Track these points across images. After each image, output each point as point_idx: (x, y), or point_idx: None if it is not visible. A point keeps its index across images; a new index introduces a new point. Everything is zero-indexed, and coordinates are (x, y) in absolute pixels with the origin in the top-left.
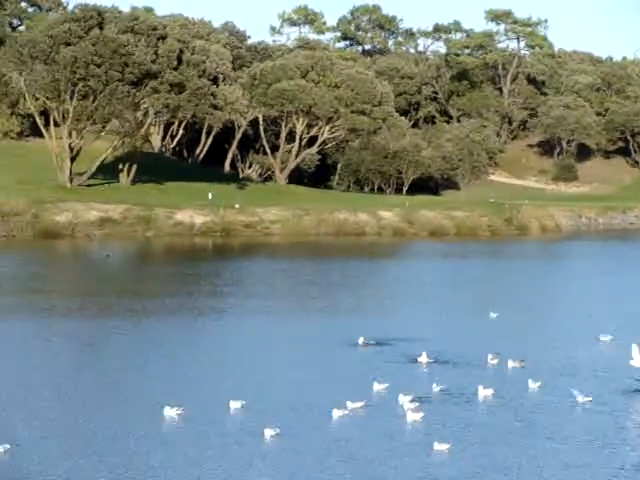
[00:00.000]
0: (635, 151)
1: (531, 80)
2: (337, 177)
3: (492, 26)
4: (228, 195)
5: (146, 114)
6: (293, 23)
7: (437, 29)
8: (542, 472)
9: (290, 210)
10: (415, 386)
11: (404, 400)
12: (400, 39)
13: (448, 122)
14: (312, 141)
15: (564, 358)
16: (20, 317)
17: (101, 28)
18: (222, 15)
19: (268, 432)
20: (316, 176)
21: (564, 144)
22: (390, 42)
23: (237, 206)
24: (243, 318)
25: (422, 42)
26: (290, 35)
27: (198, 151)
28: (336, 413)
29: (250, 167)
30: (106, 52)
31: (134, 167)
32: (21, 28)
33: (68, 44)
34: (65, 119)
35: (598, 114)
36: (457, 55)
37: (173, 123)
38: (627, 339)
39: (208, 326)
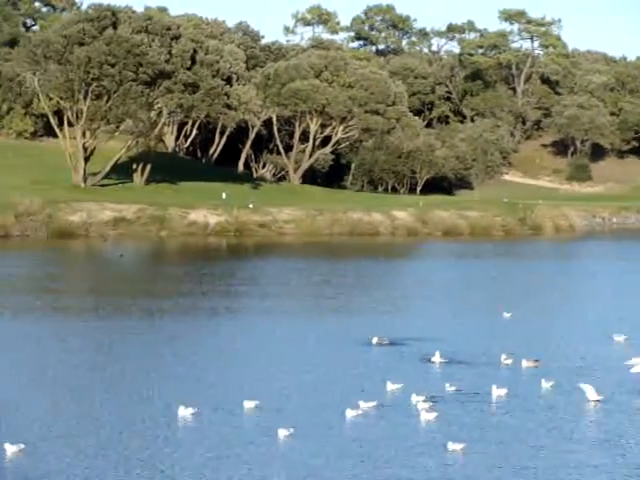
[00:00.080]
0: None
1: (545, 80)
2: (351, 177)
3: (506, 26)
4: (242, 195)
5: (160, 114)
6: (307, 23)
7: (451, 29)
8: (557, 472)
9: (304, 210)
10: (429, 386)
11: (417, 400)
12: (414, 39)
13: (462, 122)
14: (326, 141)
15: (578, 358)
16: (35, 317)
17: (115, 28)
18: (236, 15)
19: (282, 432)
20: (330, 176)
21: (578, 144)
22: (404, 42)
23: (251, 206)
24: (257, 318)
25: (436, 42)
26: (304, 35)
27: (212, 151)
28: (350, 413)
29: (264, 167)
30: (120, 52)
31: (148, 167)
32: (35, 28)
33: (82, 44)
34: (79, 119)
35: (612, 114)
36: (471, 55)
37: (187, 123)
38: None
39: (222, 326)
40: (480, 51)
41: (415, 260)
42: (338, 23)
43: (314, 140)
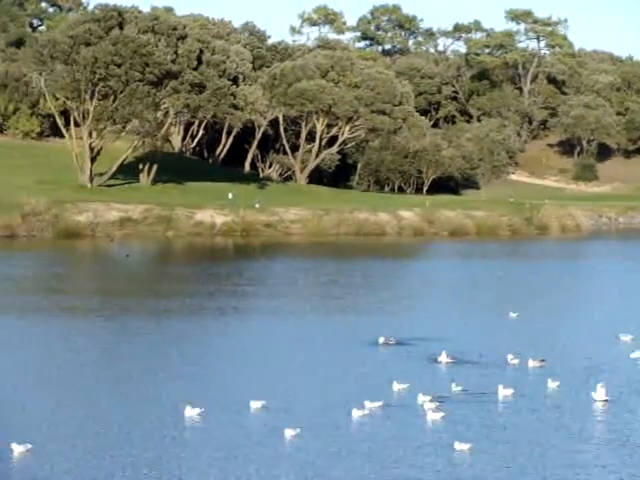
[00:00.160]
0: None
1: (551, 80)
2: (357, 177)
3: (512, 26)
4: (248, 195)
5: (166, 114)
6: (313, 23)
7: (457, 29)
8: (564, 472)
9: (310, 210)
10: (435, 386)
11: (424, 400)
12: (420, 39)
13: (468, 122)
14: (332, 141)
15: (584, 358)
16: (41, 317)
17: (121, 28)
18: (242, 15)
19: (289, 432)
20: (336, 176)
21: (584, 144)
22: (410, 42)
23: (257, 206)
24: (264, 318)
25: (442, 42)
26: (310, 35)
27: (218, 151)
28: (356, 413)
29: (270, 167)
30: (126, 52)
31: (154, 167)
32: (41, 28)
33: (88, 44)
34: (85, 119)
35: (618, 114)
36: (477, 55)
37: (193, 123)
38: None
39: (229, 326)
40: (486, 51)
41: (421, 260)
42: (344, 23)
43: (320, 140)
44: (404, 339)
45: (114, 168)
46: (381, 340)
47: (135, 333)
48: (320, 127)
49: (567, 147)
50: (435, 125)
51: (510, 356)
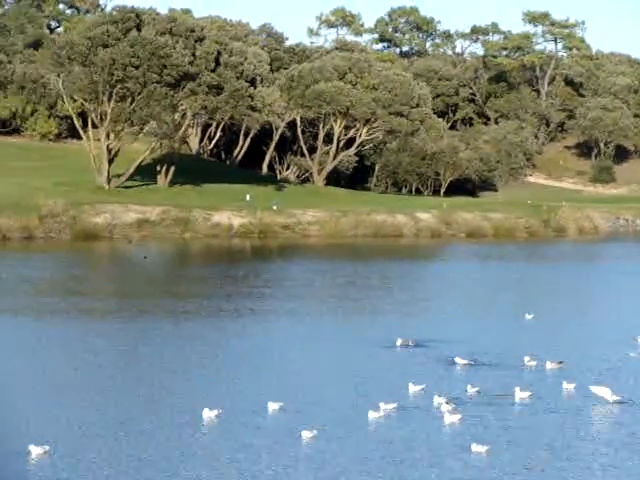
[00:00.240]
0: None
1: (569, 82)
2: (375, 179)
3: (530, 28)
4: (266, 197)
5: (184, 116)
6: (331, 25)
7: (475, 31)
8: (582, 474)
9: (328, 212)
10: (452, 388)
11: (440, 402)
12: (438, 41)
13: (486, 124)
14: (350, 143)
15: (602, 360)
16: (59, 319)
17: (139, 30)
18: (260, 17)
19: (306, 434)
20: (354, 178)
21: (602, 146)
22: (428, 44)
23: (275, 208)
24: (282, 319)
25: (460, 44)
26: (328, 37)
27: (236, 153)
28: (373, 415)
29: (288, 169)
30: (144, 54)
31: (172, 169)
32: (59, 30)
33: (106, 46)
34: (103, 121)
35: (636, 116)
36: (495, 57)
37: (211, 125)
38: None
39: (247, 327)
40: (504, 53)
41: (439, 262)
42: (362, 25)
43: (338, 142)
44: (422, 340)
45: (131, 170)
46: (399, 342)
47: (153, 335)
48: (338, 129)
49: (584, 149)
50: (452, 127)
51: (527, 358)
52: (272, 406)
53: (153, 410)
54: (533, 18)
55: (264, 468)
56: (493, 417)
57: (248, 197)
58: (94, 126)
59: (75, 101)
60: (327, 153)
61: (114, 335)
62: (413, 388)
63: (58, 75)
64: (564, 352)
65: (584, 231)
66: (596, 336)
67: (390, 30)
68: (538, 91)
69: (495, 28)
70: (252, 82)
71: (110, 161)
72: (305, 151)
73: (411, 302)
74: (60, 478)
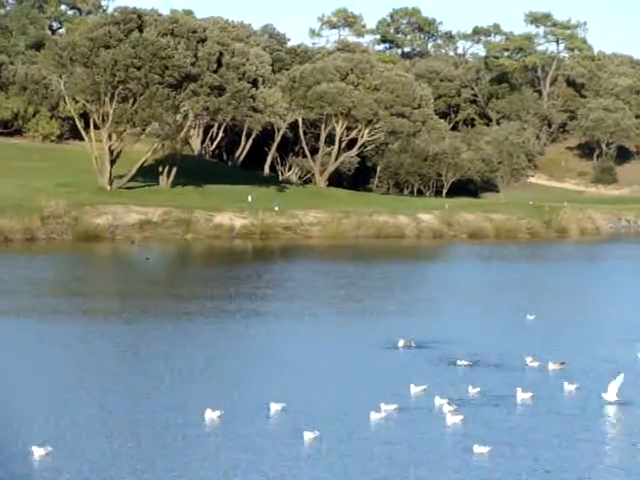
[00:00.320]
0: None
1: (570, 83)
2: (376, 180)
3: (531, 29)
4: (267, 198)
5: (186, 117)
6: (333, 26)
7: (476, 32)
8: (585, 475)
9: (330, 213)
10: (454, 388)
11: (442, 403)
12: (439, 42)
13: (487, 125)
14: (352, 144)
15: (604, 360)
16: (61, 319)
17: (141, 31)
18: (262, 18)
19: (308, 435)
20: (355, 179)
21: (603, 146)
22: (429, 45)
23: (276, 209)
24: (284, 320)
25: (461, 45)
26: (330, 38)
27: (238, 154)
28: (375, 416)
29: (290, 170)
30: (146, 55)
31: (174, 170)
32: (61, 31)
33: (108, 47)
34: (105, 122)
35: (637, 117)
36: (496, 58)
37: (213, 126)
38: None
39: (249, 328)
40: (506, 54)
41: (440, 262)
42: (364, 26)
43: (340, 143)
44: (423, 341)
45: (133, 171)
46: (401, 343)
47: (155, 335)
48: (339, 130)
49: (586, 150)
50: (454, 128)
51: (529, 359)
52: (274, 407)
53: (156, 411)
54: (535, 19)
55: (266, 469)
56: (495, 418)
57: (250, 198)
58: (96, 127)
59: (77, 102)
60: (329, 154)
61: (116, 336)
62: (415, 389)
63: (60, 76)
64: (566, 353)
65: (586, 232)
66: (598, 337)
67: (392, 31)
68: (540, 92)
69: (497, 29)
70: (254, 83)
71: (112, 162)
72: (307, 152)
73: (413, 303)
74: (63, 479)
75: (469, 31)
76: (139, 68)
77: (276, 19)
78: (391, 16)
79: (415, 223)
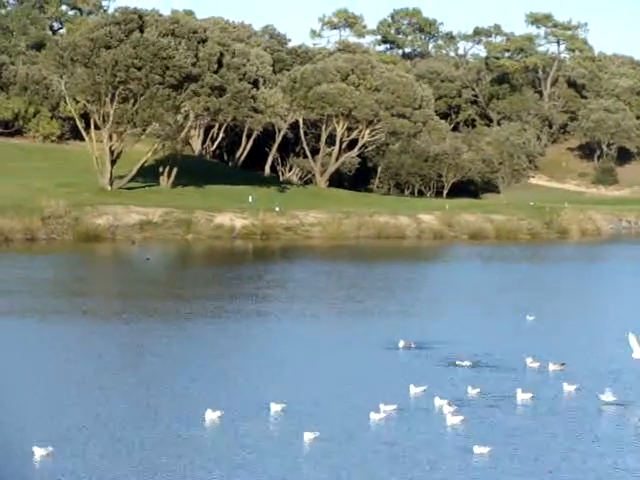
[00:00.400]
0: None
1: (571, 83)
2: (377, 180)
3: (532, 29)
4: (268, 198)
5: (186, 117)
6: (333, 26)
7: (477, 32)
8: (585, 476)
9: (330, 213)
10: (453, 389)
11: (442, 403)
12: (440, 42)
13: (488, 125)
14: (352, 144)
15: (603, 361)
16: (62, 319)
17: (142, 31)
18: (262, 18)
19: (308, 435)
20: (356, 179)
21: (604, 147)
22: (430, 45)
23: (277, 209)
24: (284, 321)
25: (462, 45)
26: (330, 38)
27: (238, 154)
28: (374, 416)
29: (290, 170)
30: (147, 55)
31: (174, 170)
32: (62, 31)
33: (109, 47)
34: (105, 122)
35: (638, 117)
36: (497, 58)
37: (213, 126)
38: None
39: (249, 328)
40: (506, 55)
41: (441, 263)
42: (365, 27)
43: (340, 143)
44: (424, 342)
45: (134, 171)
46: (401, 344)
47: (156, 336)
48: (340, 130)
49: (587, 151)
50: (455, 129)
51: (529, 359)
52: (274, 407)
53: (157, 411)
54: (536, 20)
55: (266, 469)
56: (495, 419)
57: (250, 198)
58: (97, 127)
59: (78, 102)
60: (329, 155)
61: (117, 336)
62: (414, 390)
63: (61, 76)
64: (566, 354)
65: (586, 233)
66: (598, 337)
67: (393, 32)
68: (540, 93)
69: (498, 30)
70: (255, 83)
71: (112, 162)
72: (308, 152)
73: (413, 303)
74: (64, 479)
75: (470, 32)
76: (140, 68)
77: (277, 20)
78: (392, 17)
79: (416, 224)
